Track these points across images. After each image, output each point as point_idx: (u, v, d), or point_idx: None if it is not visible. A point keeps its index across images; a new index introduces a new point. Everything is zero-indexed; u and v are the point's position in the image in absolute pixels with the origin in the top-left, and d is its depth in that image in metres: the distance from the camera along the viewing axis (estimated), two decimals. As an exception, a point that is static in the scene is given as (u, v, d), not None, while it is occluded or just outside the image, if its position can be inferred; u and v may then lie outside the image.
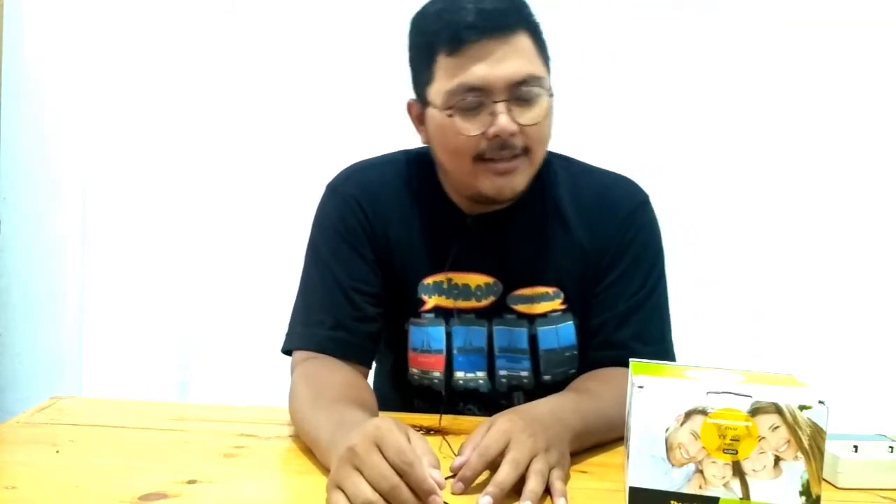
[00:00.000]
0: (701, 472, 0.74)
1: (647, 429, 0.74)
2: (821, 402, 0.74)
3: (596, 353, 1.09)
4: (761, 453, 0.74)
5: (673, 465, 0.74)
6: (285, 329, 1.11)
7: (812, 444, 0.74)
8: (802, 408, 0.74)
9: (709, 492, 0.74)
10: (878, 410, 1.92)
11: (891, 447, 0.89)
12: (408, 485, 0.70)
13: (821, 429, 0.74)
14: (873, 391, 1.99)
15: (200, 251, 2.07)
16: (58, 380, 2.08)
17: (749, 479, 0.74)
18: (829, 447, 0.88)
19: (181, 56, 2.04)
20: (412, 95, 1.07)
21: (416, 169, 1.13)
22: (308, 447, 0.91)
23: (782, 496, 0.74)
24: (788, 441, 0.74)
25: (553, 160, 1.13)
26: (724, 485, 0.74)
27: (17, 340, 2.10)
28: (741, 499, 0.74)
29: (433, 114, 1.02)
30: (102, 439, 0.95)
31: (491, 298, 1.10)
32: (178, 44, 2.04)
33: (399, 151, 1.17)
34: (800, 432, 0.74)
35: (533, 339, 1.11)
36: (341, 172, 1.16)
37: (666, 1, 2.02)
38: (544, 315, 1.10)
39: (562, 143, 1.24)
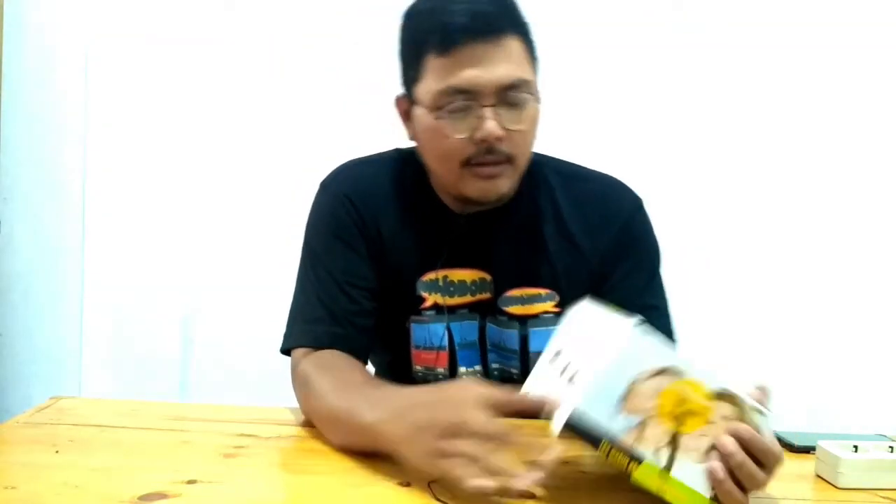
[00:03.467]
0: (643, 427, 0.73)
1: (621, 366, 0.72)
2: (769, 410, 0.75)
3: None
4: (702, 436, 0.74)
5: (622, 410, 0.72)
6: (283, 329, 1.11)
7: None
8: (756, 410, 0.75)
9: (638, 449, 0.73)
10: (878, 410, 1.93)
11: (891, 447, 0.89)
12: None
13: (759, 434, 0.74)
14: (873, 391, 1.99)
15: (200, 251, 2.07)
16: (58, 380, 2.08)
17: (678, 454, 0.73)
18: (829, 447, 0.89)
19: (182, 54, 2.04)
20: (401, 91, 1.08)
21: (408, 167, 1.13)
22: (321, 438, 0.92)
23: (699, 483, 0.74)
24: None
25: (546, 162, 1.14)
26: (656, 449, 0.73)
27: (17, 340, 2.10)
28: (662, 468, 0.73)
29: (421, 113, 1.02)
30: (102, 439, 0.95)
31: (486, 294, 1.11)
32: (178, 42, 2.04)
33: (392, 150, 1.17)
34: None
35: (524, 340, 1.11)
36: (333, 170, 1.16)
37: (664, 2, 2.02)
38: (537, 316, 1.11)
39: (560, 144, 1.25)
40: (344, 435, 0.90)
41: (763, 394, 0.78)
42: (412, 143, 1.13)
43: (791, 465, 0.95)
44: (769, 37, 2.01)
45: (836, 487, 0.86)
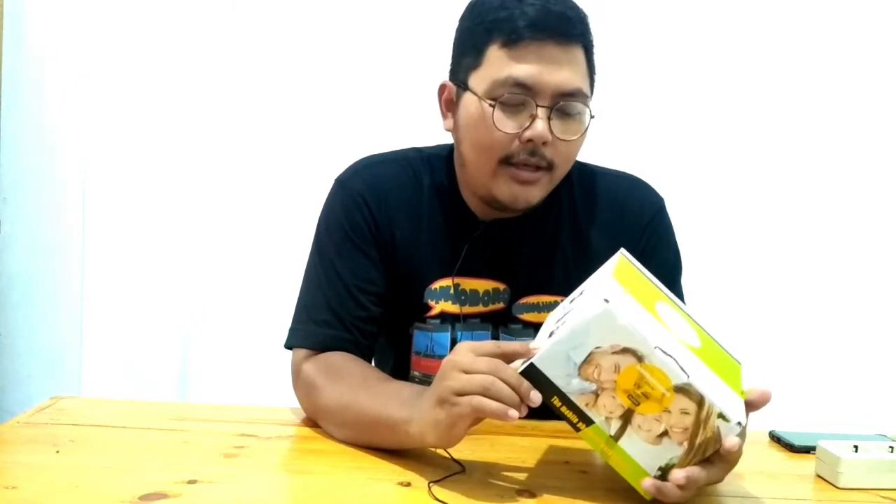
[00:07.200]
0: (597, 395, 0.75)
1: (583, 333, 0.73)
2: (739, 423, 0.74)
3: None
4: (656, 420, 0.75)
5: (578, 375, 0.74)
6: (287, 325, 1.10)
7: (702, 445, 0.75)
8: (721, 416, 0.74)
9: (590, 413, 0.75)
10: (878, 410, 1.93)
11: (891, 447, 0.89)
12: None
13: (719, 439, 0.74)
14: (873, 391, 1.99)
15: (201, 251, 2.07)
16: (58, 380, 2.08)
17: (629, 429, 0.75)
18: (829, 447, 0.89)
19: (182, 53, 2.04)
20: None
21: (428, 168, 1.11)
22: (343, 440, 0.93)
23: (645, 460, 0.76)
24: (686, 429, 0.74)
25: (573, 166, 1.10)
26: (607, 417, 0.75)
27: (17, 340, 2.10)
28: (610, 437, 0.76)
29: (470, 100, 1.00)
30: (102, 439, 0.95)
31: (499, 304, 1.10)
32: (178, 41, 2.03)
33: (411, 149, 1.14)
34: (701, 430, 0.74)
35: None
36: (351, 166, 1.13)
37: (670, 1, 2.02)
38: None
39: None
40: (371, 428, 0.90)
41: (758, 396, 0.78)
42: (435, 145, 1.13)
43: (791, 465, 0.95)
44: (783, 34, 2.01)
45: (836, 487, 0.86)
